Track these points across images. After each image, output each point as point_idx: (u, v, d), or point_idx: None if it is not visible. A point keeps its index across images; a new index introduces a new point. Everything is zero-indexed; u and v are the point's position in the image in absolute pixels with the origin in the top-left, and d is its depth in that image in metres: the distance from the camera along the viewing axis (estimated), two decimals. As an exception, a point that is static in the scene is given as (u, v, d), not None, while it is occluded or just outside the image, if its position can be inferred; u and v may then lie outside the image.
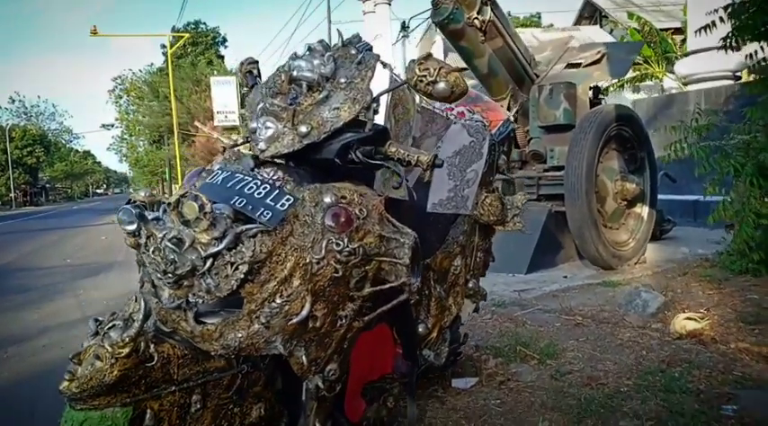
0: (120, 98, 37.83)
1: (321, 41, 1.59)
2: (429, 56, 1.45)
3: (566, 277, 4.58)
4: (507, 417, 2.13)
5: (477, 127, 2.14)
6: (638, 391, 2.25)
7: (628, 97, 13.66)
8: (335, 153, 1.47)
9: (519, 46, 5.16)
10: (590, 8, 22.03)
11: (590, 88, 5.39)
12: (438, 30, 5.32)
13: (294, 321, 1.30)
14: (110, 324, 1.23)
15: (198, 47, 33.44)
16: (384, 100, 1.73)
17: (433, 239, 2.10)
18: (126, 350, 1.19)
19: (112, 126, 40.28)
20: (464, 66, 4.84)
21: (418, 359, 1.99)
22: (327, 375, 1.45)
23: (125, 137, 41.68)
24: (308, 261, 1.33)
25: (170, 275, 1.23)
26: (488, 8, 4.61)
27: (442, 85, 1.42)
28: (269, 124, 1.48)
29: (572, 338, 2.98)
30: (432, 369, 2.22)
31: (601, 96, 5.84)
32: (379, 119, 1.68)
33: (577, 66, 5.43)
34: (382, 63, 1.63)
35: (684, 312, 3.22)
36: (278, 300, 1.29)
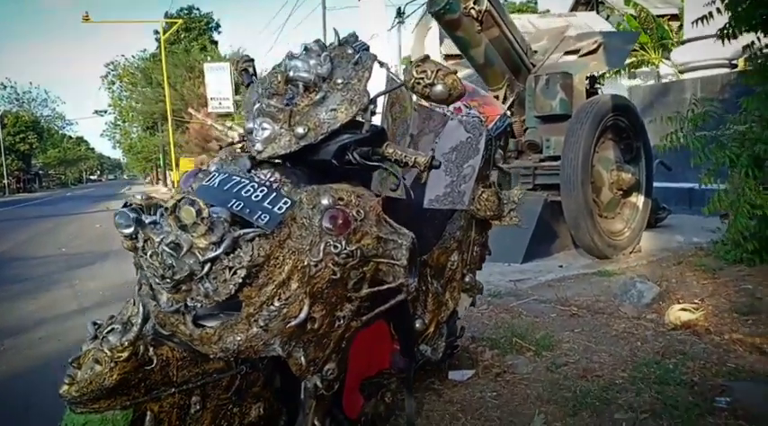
0: (113, 84, 37.60)
1: (317, 41, 1.58)
2: (427, 58, 1.45)
3: (561, 266, 4.60)
4: (503, 410, 2.15)
5: (474, 123, 2.14)
6: (633, 383, 2.28)
7: (624, 84, 13.63)
8: (332, 154, 1.47)
9: (515, 35, 5.14)
10: (587, -7, 21.87)
11: (586, 78, 5.38)
12: (435, 25, 5.29)
13: (293, 324, 1.30)
14: (108, 328, 1.23)
15: (191, 32, 33.12)
16: (381, 99, 1.72)
17: (430, 235, 2.11)
18: (125, 354, 1.20)
19: (105, 112, 40.19)
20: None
21: (415, 354, 2.00)
22: (326, 374, 1.47)
23: (118, 123, 41.45)
24: (305, 263, 1.33)
25: (168, 280, 1.23)
26: (484, -2, 4.58)
27: (439, 88, 1.41)
28: (265, 125, 1.47)
29: (567, 329, 3.01)
30: (429, 363, 2.24)
31: (597, 85, 5.83)
32: (376, 117, 1.67)
33: (576, 53, 5.42)
34: (379, 62, 1.62)
35: (679, 302, 3.26)
36: (276, 303, 1.29)
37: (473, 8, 4.62)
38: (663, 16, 15.67)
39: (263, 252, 1.28)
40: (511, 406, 2.17)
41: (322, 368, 1.45)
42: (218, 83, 23.33)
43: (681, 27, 13.10)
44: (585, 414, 2.06)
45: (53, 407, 1.24)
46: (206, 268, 1.23)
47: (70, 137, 63.58)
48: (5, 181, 42.35)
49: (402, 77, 1.53)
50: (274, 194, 1.37)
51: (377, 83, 1.62)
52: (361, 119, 1.50)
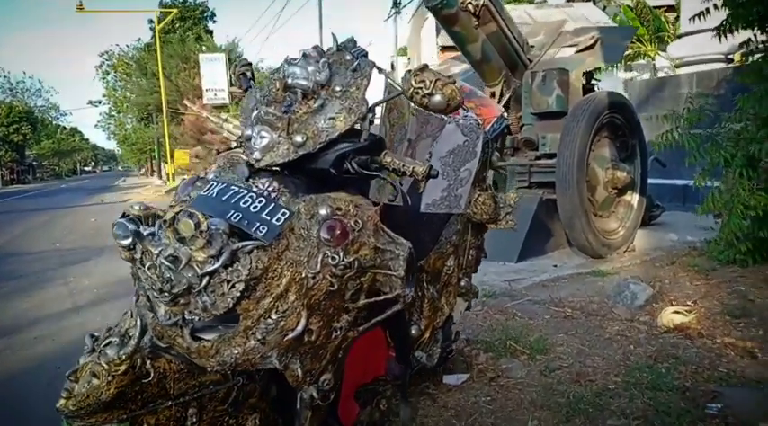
0: (108, 74, 37.24)
1: (316, 47, 1.58)
2: (425, 67, 1.45)
3: (555, 266, 4.62)
4: (497, 415, 2.16)
5: (472, 126, 2.13)
6: (626, 388, 2.29)
7: (620, 76, 13.62)
8: (331, 163, 1.47)
9: (512, 30, 5.12)
10: (583, -15, 21.76)
11: (583, 74, 5.37)
12: (432, 18, 5.27)
13: (290, 337, 1.31)
14: (106, 341, 1.23)
15: (186, 22, 32.82)
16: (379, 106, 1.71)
17: (427, 240, 2.11)
18: (123, 368, 1.20)
19: (100, 102, 39.85)
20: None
21: (411, 361, 2.01)
22: (322, 385, 1.47)
23: (113, 114, 41.14)
24: (303, 275, 1.33)
25: (166, 293, 1.23)
26: (482, -8, 4.56)
27: (438, 98, 1.41)
28: (264, 133, 1.47)
29: (561, 331, 3.02)
30: (424, 368, 2.25)
31: (594, 81, 5.83)
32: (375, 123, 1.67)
33: (573, 47, 5.41)
34: (378, 68, 1.62)
35: (672, 304, 3.28)
36: (274, 316, 1.30)
37: (470, 3, 4.60)
38: (659, 7, 15.63)
39: (262, 264, 1.28)
40: (505, 412, 2.18)
41: (318, 379, 1.46)
42: (213, 74, 23.15)
43: (677, 19, 13.07)
44: (579, 421, 2.08)
45: (50, 409, 1.23)
46: (204, 281, 1.23)
47: (64, 128, 63.13)
48: (-1, 173, 42.12)
49: (399, 81, 1.53)
50: (272, 205, 1.37)
51: (375, 87, 1.62)
52: (359, 128, 1.50)
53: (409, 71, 1.47)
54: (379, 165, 1.51)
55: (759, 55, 4.23)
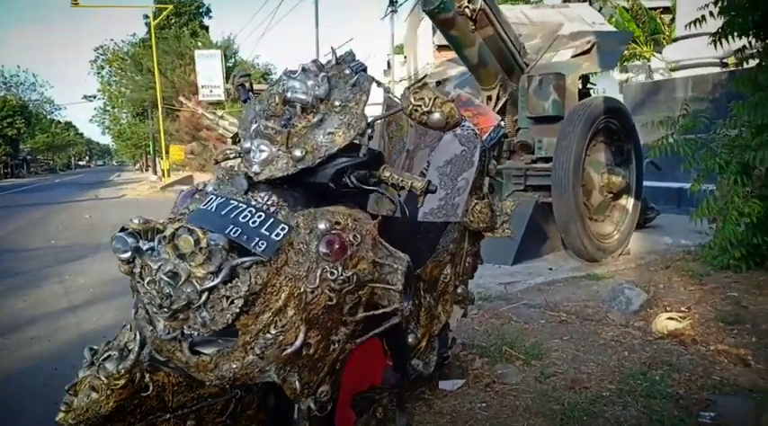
0: (103, 69, 37.03)
1: (315, 61, 1.58)
2: (424, 85, 1.46)
3: (551, 269, 4.64)
4: (493, 422, 2.18)
5: (469, 136, 2.14)
6: (620, 396, 2.32)
7: (615, 77, 13.65)
8: (330, 177, 1.48)
9: (509, 34, 5.13)
10: (580, -15, 21.78)
11: (579, 78, 5.39)
12: (429, 18, 5.27)
13: (288, 351, 1.32)
14: (105, 355, 1.24)
15: (182, 18, 32.67)
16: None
17: (424, 249, 2.12)
18: (122, 382, 1.20)
19: (95, 97, 39.56)
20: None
21: (408, 370, 2.02)
22: (320, 396, 1.48)
23: (108, 108, 40.90)
24: (302, 290, 1.34)
25: (166, 309, 1.24)
26: (479, -4, 4.57)
27: (437, 116, 1.42)
28: (263, 147, 1.48)
29: (556, 336, 3.04)
30: (420, 375, 2.26)
31: (590, 85, 5.85)
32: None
33: (570, 48, 5.42)
34: (377, 82, 1.62)
35: (666, 310, 3.30)
36: (272, 331, 1.31)
37: (467, 7, 4.61)
38: (655, 9, 15.68)
39: (261, 280, 1.29)
40: (500, 418, 2.20)
41: (316, 391, 1.47)
42: (208, 70, 23.12)
43: (673, 20, 13.11)
44: (573, 428, 2.10)
45: (47, 409, 1.24)
46: (204, 297, 1.24)
47: (59, 122, 62.77)
48: (-7, 167, 41.88)
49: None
50: (272, 220, 1.38)
51: (374, 98, 1.63)
52: (358, 143, 1.51)
53: (408, 88, 1.48)
54: (377, 180, 1.52)
55: (754, 62, 4.27)
